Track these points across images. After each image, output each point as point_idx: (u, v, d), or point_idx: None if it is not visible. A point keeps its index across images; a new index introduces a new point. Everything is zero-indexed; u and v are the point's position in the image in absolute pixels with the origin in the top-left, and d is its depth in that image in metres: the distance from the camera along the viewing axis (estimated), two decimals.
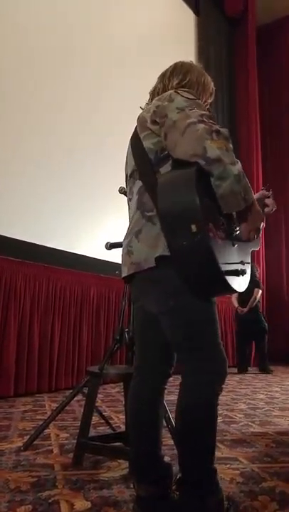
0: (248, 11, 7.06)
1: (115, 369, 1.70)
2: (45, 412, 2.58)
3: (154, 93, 1.36)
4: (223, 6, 6.94)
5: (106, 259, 3.65)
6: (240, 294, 3.92)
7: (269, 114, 7.54)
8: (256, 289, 5.25)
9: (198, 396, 1.10)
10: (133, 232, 1.18)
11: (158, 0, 5.45)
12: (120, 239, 2.21)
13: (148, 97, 1.40)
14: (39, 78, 3.64)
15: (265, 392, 3.63)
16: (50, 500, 1.27)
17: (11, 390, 2.98)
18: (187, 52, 5.88)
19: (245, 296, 5.23)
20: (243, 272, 1.09)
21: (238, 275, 1.08)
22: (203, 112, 1.09)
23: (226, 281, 1.02)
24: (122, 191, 2.07)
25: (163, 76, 1.36)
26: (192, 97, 1.15)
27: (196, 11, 6.45)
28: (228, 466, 1.65)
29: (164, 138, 1.13)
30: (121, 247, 2.00)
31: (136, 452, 1.22)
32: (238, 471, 1.59)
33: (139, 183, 1.21)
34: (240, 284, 1.11)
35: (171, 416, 1.72)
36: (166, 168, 1.14)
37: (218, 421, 2.38)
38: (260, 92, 7.32)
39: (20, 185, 3.37)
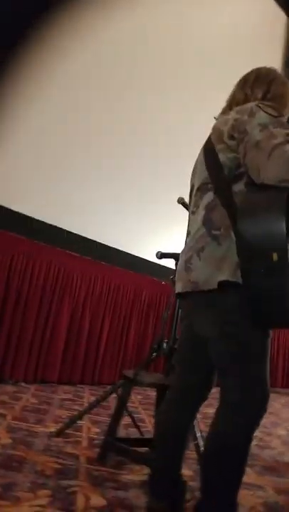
0: None
1: (150, 377, 1.73)
2: (83, 404, 2.69)
3: (232, 102, 1.27)
4: None
5: (161, 263, 3.70)
6: None
7: None
8: None
9: (233, 429, 1.06)
10: (195, 249, 1.13)
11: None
12: (173, 248, 2.27)
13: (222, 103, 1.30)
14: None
15: None
16: (68, 490, 1.34)
17: (55, 376, 3.14)
18: (273, 56, 5.68)
19: None
20: None
21: None
22: None
23: None
24: (180, 201, 2.10)
25: (244, 84, 1.26)
26: (275, 114, 1.08)
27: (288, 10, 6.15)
28: (252, 492, 1.60)
29: (242, 156, 1.06)
30: (171, 257, 2.05)
31: (156, 466, 1.24)
32: (261, 500, 1.54)
33: (208, 198, 1.14)
34: None
35: (200, 432, 1.71)
36: (239, 186, 1.08)
37: (252, 444, 2.33)
38: None
39: (85, 187, 3.54)
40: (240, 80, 1.29)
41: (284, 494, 1.64)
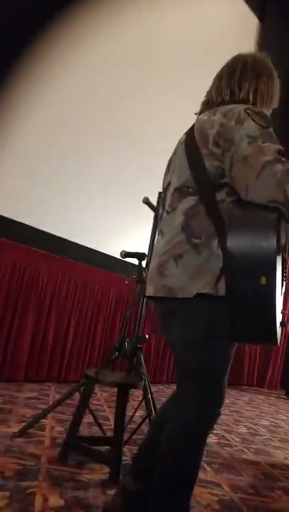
0: None
1: (112, 376, 1.76)
2: (49, 402, 2.68)
3: (217, 97, 1.19)
4: None
5: (130, 262, 3.72)
6: None
7: None
8: None
9: (187, 433, 1.08)
10: (171, 254, 1.10)
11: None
12: (143, 246, 2.30)
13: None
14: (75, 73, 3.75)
15: (271, 419, 3.57)
16: (27, 491, 1.35)
17: (21, 374, 3.12)
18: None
19: None
20: (283, 324, 1.05)
21: (284, 326, 1.06)
22: (278, 147, 0.99)
23: (276, 336, 0.99)
24: (145, 202, 2.13)
25: (230, 77, 1.18)
26: (265, 125, 1.03)
27: (261, 16, 6.22)
28: (208, 490, 1.66)
29: (228, 167, 1.03)
30: (135, 257, 2.08)
31: (146, 449, 1.24)
32: (216, 498, 1.59)
33: (188, 202, 1.10)
34: (279, 335, 1.07)
35: None
36: (221, 195, 1.06)
37: (212, 441, 2.40)
38: None
39: (51, 182, 3.50)
40: (226, 71, 1.21)
41: (240, 492, 1.71)
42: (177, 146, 1.22)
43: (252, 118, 1.03)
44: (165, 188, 1.24)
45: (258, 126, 1.02)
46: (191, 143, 1.12)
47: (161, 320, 1.25)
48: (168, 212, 1.17)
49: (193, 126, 1.16)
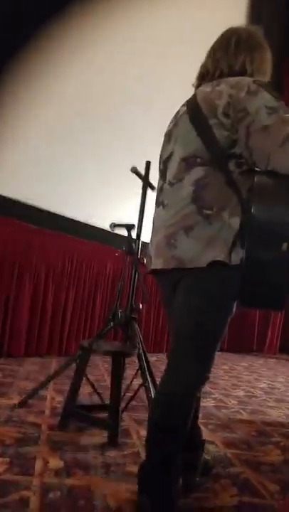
0: None
1: (106, 346, 1.80)
2: (50, 375, 2.75)
3: (215, 69, 1.19)
4: None
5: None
6: None
7: None
8: None
9: (172, 399, 1.10)
10: (181, 226, 1.09)
11: None
12: (128, 219, 2.28)
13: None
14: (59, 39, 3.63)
15: (268, 382, 3.67)
16: (28, 456, 1.41)
17: (21, 349, 3.18)
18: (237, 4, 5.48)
19: None
20: None
21: None
22: None
23: (283, 304, 1.03)
24: (134, 171, 2.11)
25: (226, 48, 1.19)
26: (278, 97, 1.03)
27: None
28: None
29: (244, 138, 1.03)
30: (124, 227, 2.08)
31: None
32: (211, 454, 1.67)
33: (197, 173, 1.09)
34: None
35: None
36: (230, 166, 1.07)
37: (210, 405, 2.47)
38: None
39: (41, 154, 3.46)
40: (220, 44, 1.21)
41: (233, 447, 1.78)
42: (177, 118, 1.21)
43: (265, 89, 1.03)
44: (165, 160, 1.21)
45: (274, 98, 1.02)
46: (196, 113, 1.11)
47: (165, 293, 1.25)
48: (171, 184, 1.15)
49: (193, 98, 1.16)
